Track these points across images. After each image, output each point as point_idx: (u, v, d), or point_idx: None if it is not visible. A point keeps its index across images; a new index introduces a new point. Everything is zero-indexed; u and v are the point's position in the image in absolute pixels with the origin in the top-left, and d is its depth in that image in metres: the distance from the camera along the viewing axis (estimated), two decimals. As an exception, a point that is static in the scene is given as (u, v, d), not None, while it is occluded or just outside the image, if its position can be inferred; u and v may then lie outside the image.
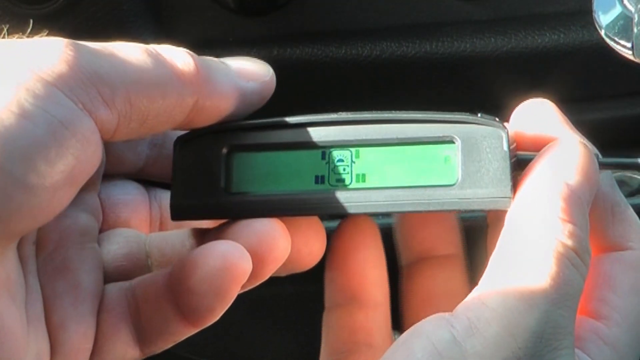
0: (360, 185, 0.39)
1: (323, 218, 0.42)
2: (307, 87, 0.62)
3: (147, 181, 0.45)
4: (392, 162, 0.39)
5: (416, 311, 0.44)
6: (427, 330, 0.35)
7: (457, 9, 0.61)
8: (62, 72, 0.34)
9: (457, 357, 0.34)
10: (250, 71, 0.41)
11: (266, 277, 0.40)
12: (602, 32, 0.46)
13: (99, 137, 0.35)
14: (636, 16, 0.44)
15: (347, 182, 0.39)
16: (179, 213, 0.40)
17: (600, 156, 0.40)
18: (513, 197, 0.38)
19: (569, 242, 0.36)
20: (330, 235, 0.44)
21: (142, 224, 0.44)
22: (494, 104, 0.64)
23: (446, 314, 0.35)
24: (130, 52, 0.37)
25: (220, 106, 0.39)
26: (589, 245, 0.37)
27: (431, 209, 0.39)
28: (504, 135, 0.38)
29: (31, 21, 0.55)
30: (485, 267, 0.37)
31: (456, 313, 0.35)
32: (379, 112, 0.40)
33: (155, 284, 0.39)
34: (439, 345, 0.34)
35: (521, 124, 0.40)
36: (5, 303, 0.35)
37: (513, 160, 0.39)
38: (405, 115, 0.39)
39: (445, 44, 0.60)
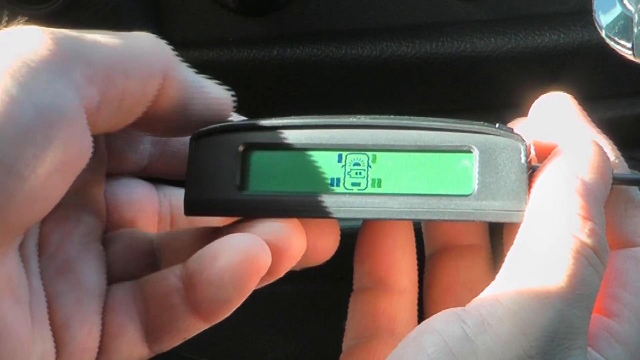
0: (376, 190, 0.39)
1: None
2: (307, 87, 0.62)
3: (157, 179, 0.45)
4: (408, 169, 0.39)
5: (437, 301, 0.44)
6: (438, 325, 0.35)
7: (457, 9, 0.61)
8: (45, 56, 0.34)
9: (468, 353, 0.34)
10: (211, 81, 0.41)
11: (282, 274, 0.39)
12: (603, 33, 0.46)
13: (86, 120, 0.35)
14: (636, 16, 0.44)
15: (362, 186, 0.39)
16: (192, 208, 0.40)
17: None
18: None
19: (589, 241, 0.36)
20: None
21: (150, 222, 0.44)
22: (494, 104, 0.64)
23: (458, 309, 0.35)
24: (100, 34, 0.37)
25: (185, 91, 0.39)
26: (607, 243, 0.37)
27: (446, 218, 0.38)
28: (522, 148, 0.38)
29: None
30: (502, 259, 0.37)
31: (468, 309, 0.35)
32: (397, 117, 0.40)
33: (165, 281, 0.39)
34: (450, 341, 0.34)
35: (539, 117, 0.40)
36: (8, 303, 0.35)
37: (529, 173, 0.38)
38: (423, 122, 0.39)
39: (445, 44, 0.60)
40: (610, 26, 0.46)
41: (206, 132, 0.40)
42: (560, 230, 0.36)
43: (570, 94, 0.62)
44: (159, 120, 0.40)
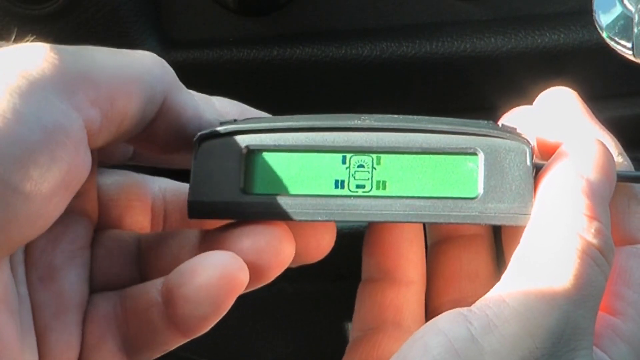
0: (381, 192, 0.39)
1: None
2: (307, 87, 0.62)
3: (154, 169, 0.45)
4: (413, 171, 0.39)
5: (440, 291, 0.44)
6: (444, 326, 0.35)
7: (457, 9, 0.61)
8: (50, 75, 0.34)
9: (474, 354, 0.33)
10: (207, 102, 0.41)
11: (270, 280, 0.39)
12: (603, 33, 0.46)
13: (87, 140, 0.35)
14: (636, 16, 0.44)
15: (367, 188, 0.39)
16: (196, 211, 0.40)
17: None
18: None
19: (595, 241, 0.35)
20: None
21: (139, 219, 0.44)
22: (494, 104, 0.64)
23: (464, 310, 0.35)
24: (104, 52, 0.37)
25: (182, 114, 0.39)
26: (613, 243, 0.37)
27: (452, 221, 0.38)
28: (528, 151, 0.38)
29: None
30: (501, 251, 0.37)
31: (474, 309, 0.35)
32: (401, 118, 0.40)
33: (146, 295, 0.39)
34: (456, 342, 0.34)
35: (542, 112, 0.40)
36: (4, 317, 0.35)
37: (534, 174, 0.38)
38: (428, 124, 0.39)
39: (445, 44, 0.60)
40: (611, 26, 0.46)
41: (209, 135, 0.40)
42: (566, 231, 0.36)
43: (571, 93, 0.62)
44: (154, 140, 0.40)
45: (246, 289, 0.38)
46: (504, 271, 0.37)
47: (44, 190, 0.33)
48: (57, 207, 0.35)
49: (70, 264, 0.40)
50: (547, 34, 0.60)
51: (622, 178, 0.39)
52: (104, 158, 0.42)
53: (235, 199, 0.39)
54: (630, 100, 0.64)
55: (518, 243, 0.37)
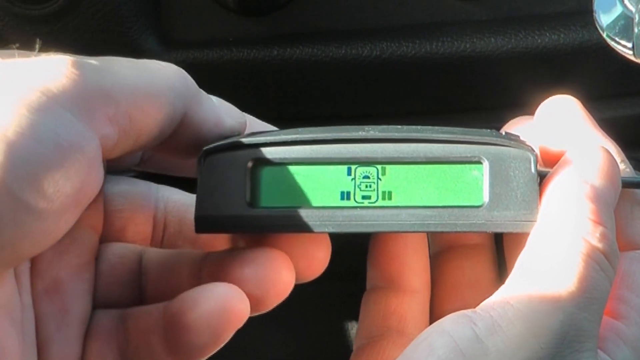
0: (387, 203, 0.39)
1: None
2: (307, 87, 0.62)
3: (156, 177, 0.45)
4: (418, 181, 0.39)
5: (443, 300, 0.44)
6: (449, 327, 0.35)
7: (457, 9, 0.61)
8: (68, 91, 0.34)
9: (478, 354, 0.34)
10: (228, 107, 0.41)
11: (270, 309, 0.40)
12: (603, 33, 0.46)
13: (102, 156, 0.35)
14: (637, 16, 0.44)
15: (373, 199, 0.39)
16: (203, 225, 0.40)
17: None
18: None
19: (599, 245, 0.36)
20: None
21: (143, 229, 0.44)
22: (494, 104, 0.64)
23: (468, 311, 0.35)
24: (126, 66, 0.37)
25: (202, 126, 0.39)
26: (617, 248, 0.37)
27: (458, 230, 0.39)
28: (532, 158, 0.38)
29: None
30: (502, 259, 0.37)
31: (479, 311, 0.35)
32: (405, 129, 0.40)
33: (148, 317, 0.39)
34: (461, 343, 0.34)
35: (545, 121, 0.40)
36: (5, 327, 0.35)
37: (539, 181, 0.39)
38: (432, 134, 0.39)
39: (445, 44, 0.60)
40: (611, 26, 0.46)
41: (215, 149, 0.40)
42: (571, 235, 0.36)
43: (571, 93, 0.62)
44: (172, 149, 0.40)
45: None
46: (505, 279, 0.37)
47: (55, 207, 0.33)
48: (67, 223, 0.34)
49: (75, 277, 0.40)
50: (547, 34, 0.60)
51: (625, 184, 0.39)
52: (112, 164, 0.42)
53: (242, 212, 0.39)
54: (630, 100, 0.64)
55: (521, 250, 0.37)
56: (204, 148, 0.39)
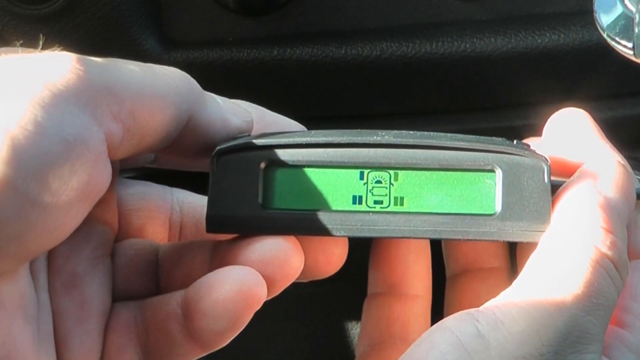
0: (398, 208, 0.39)
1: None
2: (307, 87, 0.62)
3: (170, 179, 0.45)
4: (431, 187, 0.39)
5: None
6: (452, 324, 0.35)
7: (457, 9, 0.61)
8: (74, 87, 0.34)
9: (480, 349, 0.34)
10: (234, 106, 0.41)
11: (278, 292, 0.39)
12: (604, 33, 0.46)
13: (107, 153, 0.35)
14: (637, 16, 0.44)
15: (385, 204, 0.39)
16: (215, 226, 0.40)
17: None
18: None
19: (609, 253, 0.36)
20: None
21: (159, 229, 0.44)
22: (493, 104, 0.64)
23: (472, 310, 0.35)
24: (131, 67, 0.37)
25: (209, 128, 0.39)
26: (627, 259, 0.37)
27: (470, 237, 0.39)
28: (546, 168, 0.38)
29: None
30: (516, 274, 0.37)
31: (482, 309, 0.35)
32: (419, 134, 0.40)
33: (166, 306, 0.39)
34: (463, 338, 0.34)
35: (555, 134, 0.40)
36: (19, 324, 0.35)
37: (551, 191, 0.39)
38: (447, 141, 0.39)
39: (445, 44, 0.60)
40: (611, 26, 0.46)
41: (228, 150, 0.40)
42: (581, 241, 0.36)
43: (570, 94, 0.62)
44: (180, 151, 0.40)
45: None
46: None
47: (62, 202, 0.33)
48: (75, 219, 0.35)
49: (92, 271, 0.40)
50: (547, 34, 0.60)
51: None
52: (126, 161, 0.42)
53: (254, 213, 0.39)
54: (630, 100, 0.64)
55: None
56: (217, 148, 0.40)
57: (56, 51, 0.36)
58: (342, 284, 0.66)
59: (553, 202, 0.38)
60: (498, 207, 0.39)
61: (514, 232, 0.38)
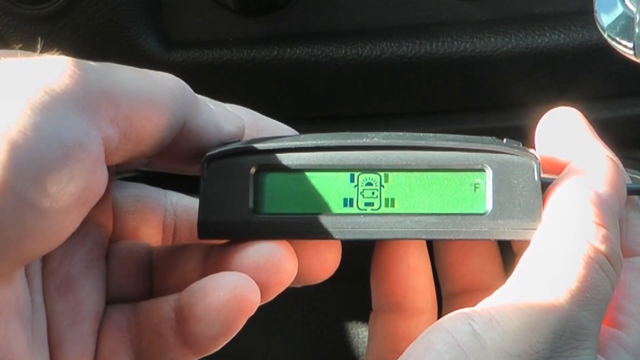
0: (390, 210, 0.39)
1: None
2: (307, 87, 0.62)
3: (164, 181, 0.45)
4: (421, 188, 0.39)
5: None
6: (448, 324, 0.35)
7: (457, 9, 0.61)
8: (72, 91, 0.34)
9: (476, 348, 0.34)
10: (226, 112, 0.41)
11: (272, 297, 0.39)
12: (604, 33, 0.46)
13: (104, 157, 0.35)
14: (638, 16, 0.44)
15: (375, 206, 0.39)
16: (206, 231, 0.40)
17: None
18: None
19: (602, 247, 0.36)
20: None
21: (153, 232, 0.44)
22: (494, 104, 0.64)
23: (467, 309, 0.36)
24: (127, 72, 0.37)
25: (202, 134, 0.39)
26: (621, 253, 0.37)
27: (461, 237, 0.39)
28: (536, 166, 0.38)
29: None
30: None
31: (477, 308, 0.36)
32: (408, 136, 0.40)
33: (159, 310, 0.39)
34: (459, 337, 0.34)
35: (548, 133, 0.40)
36: (14, 327, 0.35)
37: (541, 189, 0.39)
38: (436, 142, 0.39)
39: (445, 44, 0.60)
40: (612, 26, 0.46)
41: (218, 155, 0.40)
42: (573, 236, 0.36)
43: (570, 94, 0.62)
44: (174, 157, 0.40)
45: None
46: None
47: (60, 207, 0.33)
48: (72, 223, 0.35)
49: (86, 274, 0.40)
50: (547, 34, 0.60)
51: (632, 191, 0.39)
52: (120, 165, 0.42)
53: (245, 218, 0.39)
54: (630, 100, 0.64)
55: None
56: (207, 154, 0.40)
57: (54, 55, 0.36)
58: (343, 285, 0.66)
59: (544, 199, 0.38)
60: (489, 206, 0.39)
61: (506, 231, 0.38)
